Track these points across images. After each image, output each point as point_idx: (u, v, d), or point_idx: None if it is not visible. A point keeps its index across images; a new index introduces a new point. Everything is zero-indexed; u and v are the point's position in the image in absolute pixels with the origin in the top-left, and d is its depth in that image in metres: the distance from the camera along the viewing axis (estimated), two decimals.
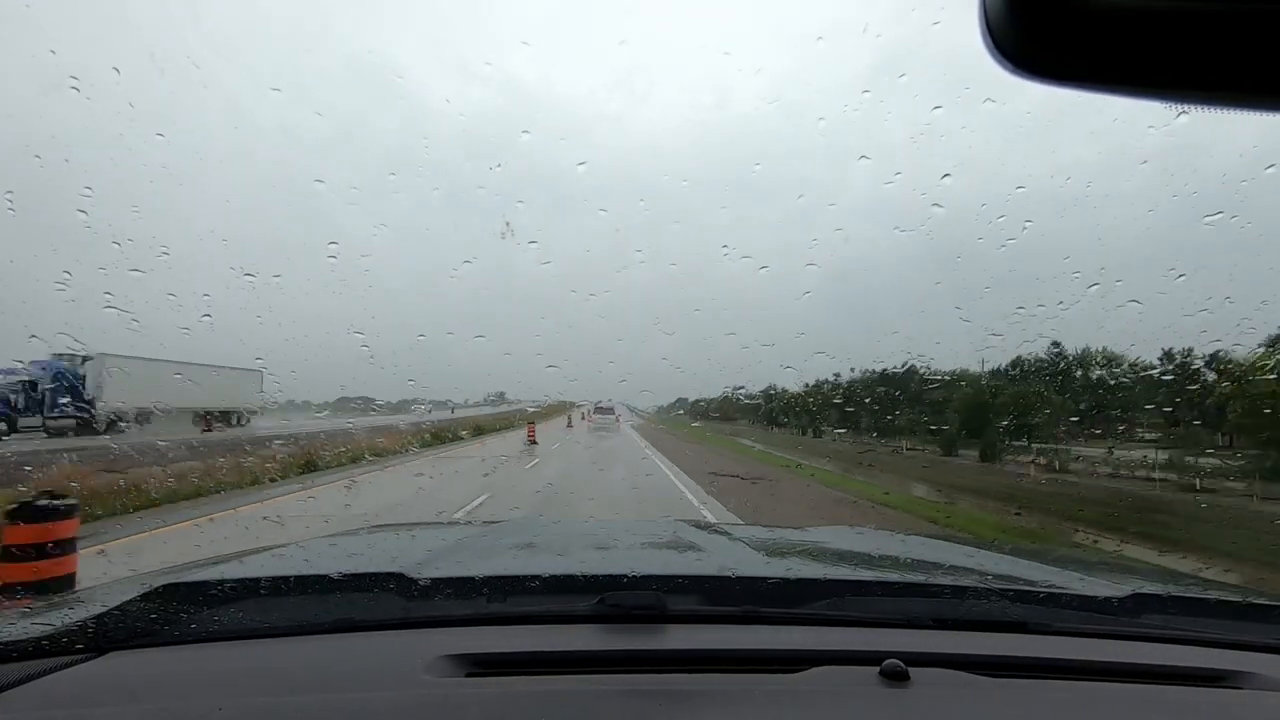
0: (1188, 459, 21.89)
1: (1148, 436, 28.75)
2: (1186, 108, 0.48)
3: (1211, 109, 0.47)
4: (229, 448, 14.20)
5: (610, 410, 39.58)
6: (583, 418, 42.52)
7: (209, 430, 25.35)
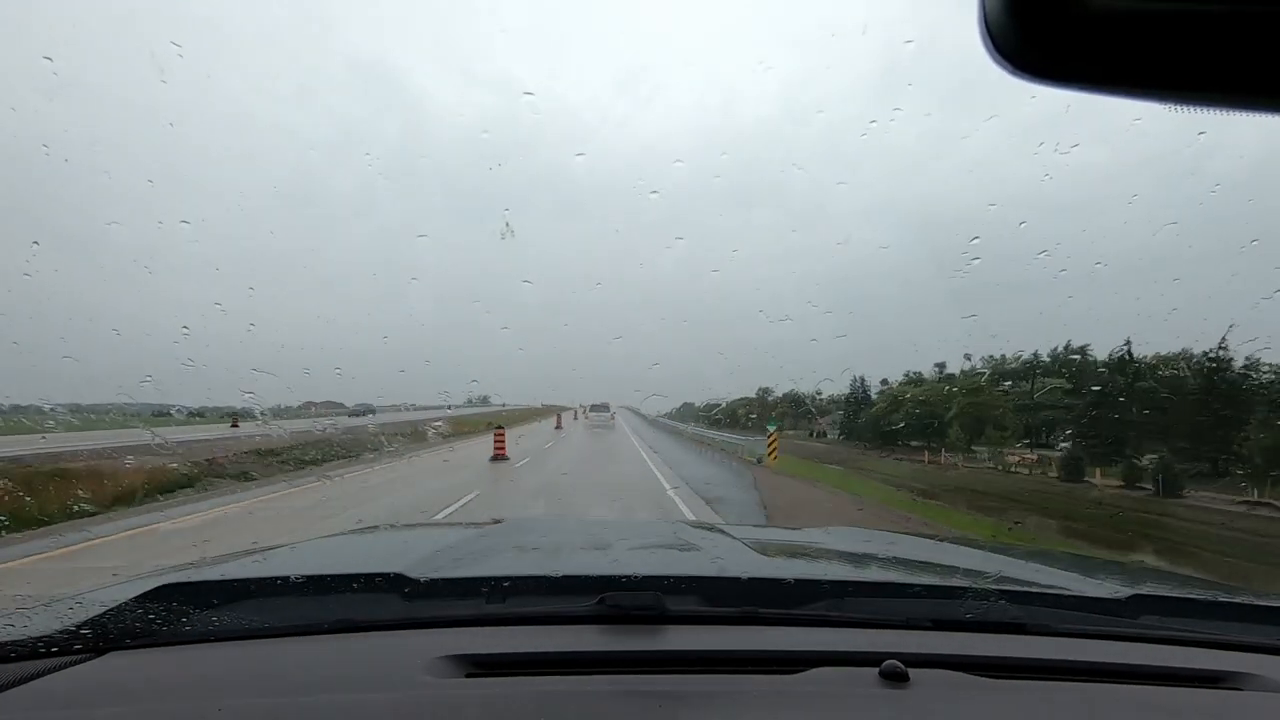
0: None
1: None
2: (1187, 108, 0.48)
3: (1212, 110, 0.48)
4: None
5: (605, 408, 40.11)
6: (576, 417, 42.67)
7: None
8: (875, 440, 34.94)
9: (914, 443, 33.89)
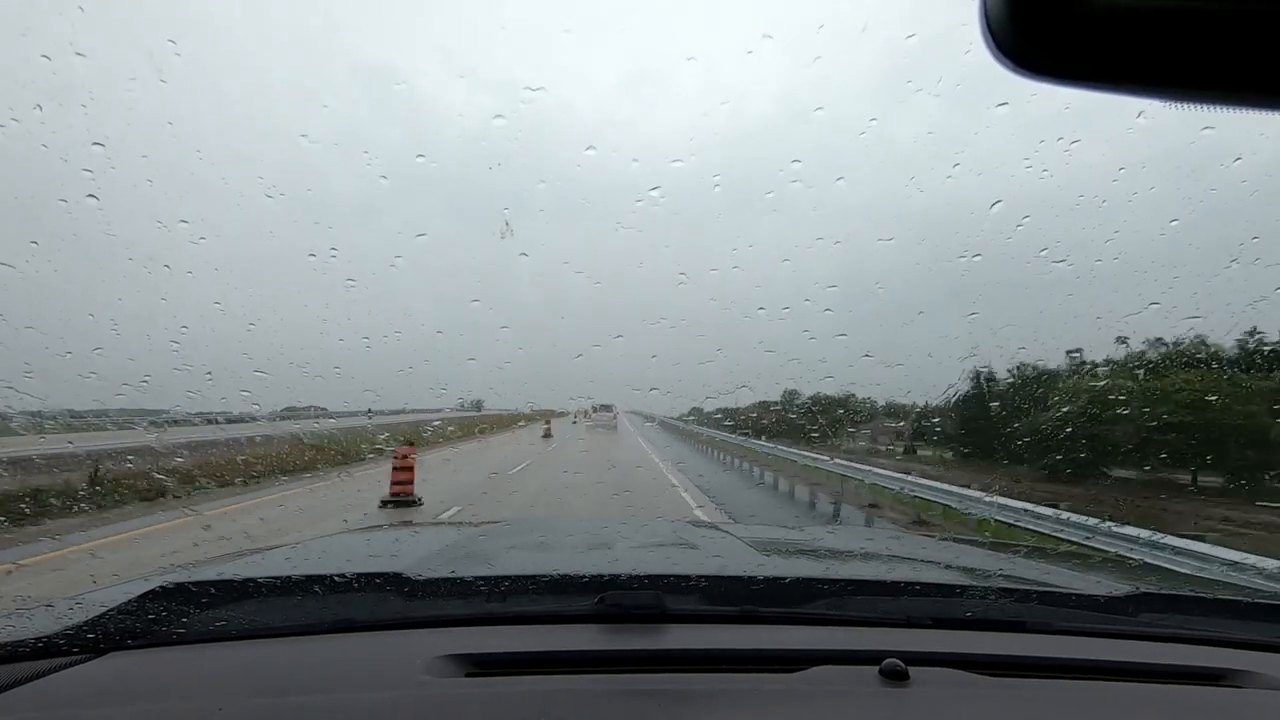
0: None
1: None
2: (1187, 106, 0.48)
3: (1211, 108, 0.47)
4: None
5: (609, 408, 39.98)
6: (547, 435, 41.95)
7: None
8: (1057, 466, 20.35)
9: (1118, 470, 19.92)
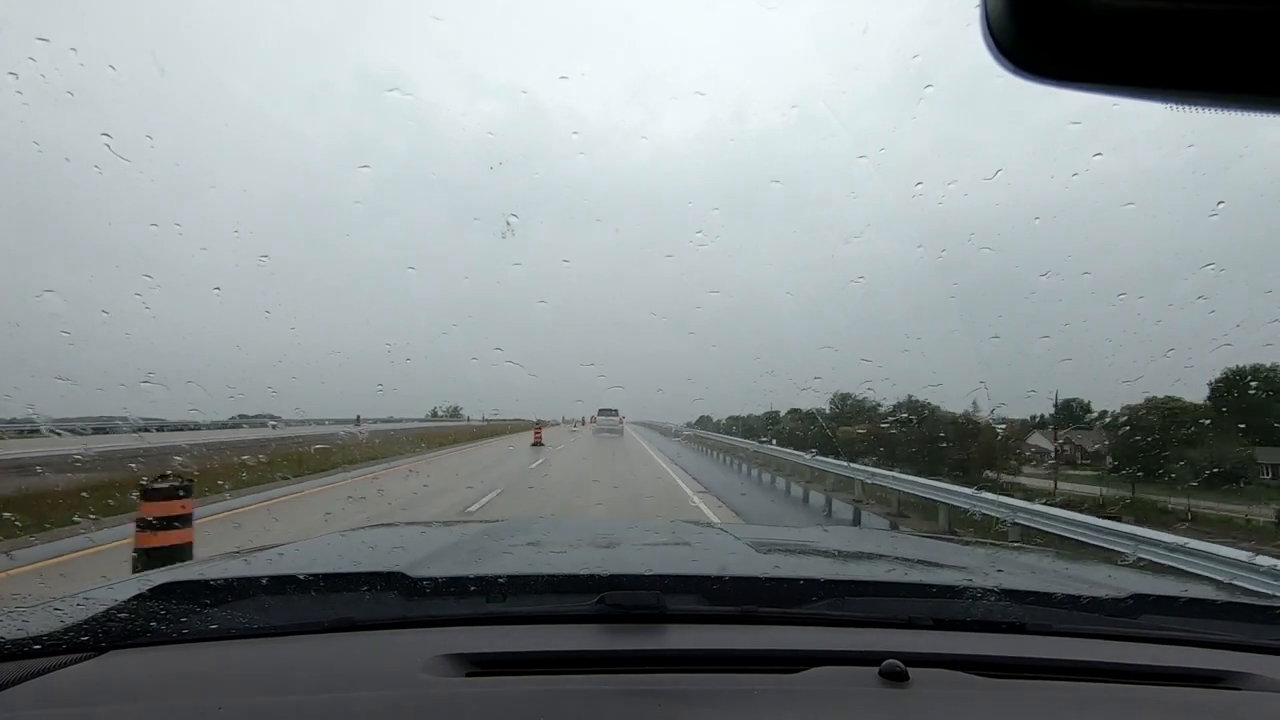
0: None
1: None
2: (1188, 108, 0.48)
3: (1212, 110, 0.48)
4: None
5: (614, 412, 39.37)
6: (582, 424, 40.54)
7: None
8: None
9: None
